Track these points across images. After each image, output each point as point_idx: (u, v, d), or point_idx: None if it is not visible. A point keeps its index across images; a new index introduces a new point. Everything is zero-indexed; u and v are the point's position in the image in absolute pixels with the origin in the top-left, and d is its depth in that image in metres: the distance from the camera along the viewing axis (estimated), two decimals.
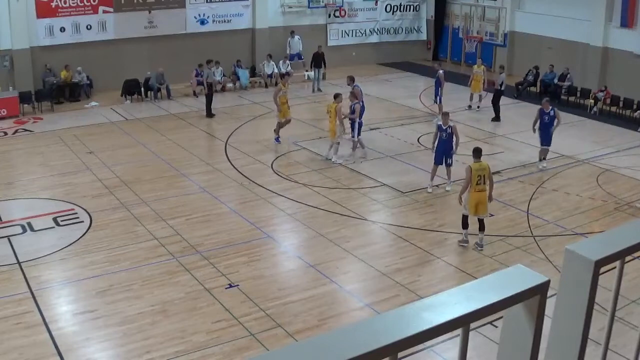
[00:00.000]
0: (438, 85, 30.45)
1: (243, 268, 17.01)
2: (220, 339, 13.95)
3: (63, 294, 15.89)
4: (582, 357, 2.22)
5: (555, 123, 24.33)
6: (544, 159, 24.82)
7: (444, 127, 22.00)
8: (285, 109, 27.12)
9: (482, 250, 18.17)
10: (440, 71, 30.58)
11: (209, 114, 31.28)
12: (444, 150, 22.03)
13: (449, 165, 22.14)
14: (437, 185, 22.55)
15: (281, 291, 16.02)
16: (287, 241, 19.20)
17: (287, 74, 28.68)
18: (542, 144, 24.67)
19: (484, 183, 18.08)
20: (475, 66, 33.45)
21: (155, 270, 16.80)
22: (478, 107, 33.11)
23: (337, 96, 25.22)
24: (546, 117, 24.32)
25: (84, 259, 17.35)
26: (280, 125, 27.14)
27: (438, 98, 30.50)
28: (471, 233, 18.42)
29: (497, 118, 31.06)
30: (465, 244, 18.52)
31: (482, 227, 18.28)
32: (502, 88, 31.00)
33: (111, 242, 18.31)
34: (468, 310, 1.85)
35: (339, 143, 25.04)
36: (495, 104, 31.05)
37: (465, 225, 18.45)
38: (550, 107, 24.49)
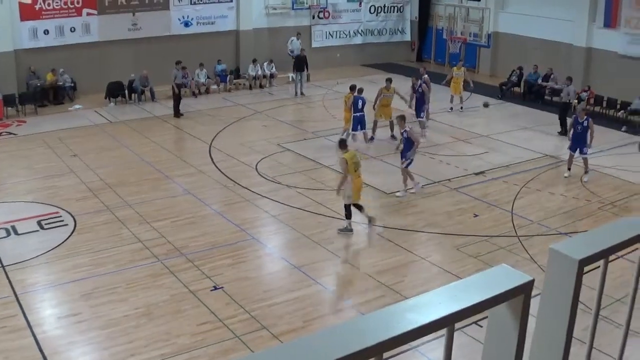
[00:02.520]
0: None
1: (228, 270, 16.99)
2: (205, 341, 13.92)
3: (47, 297, 15.83)
4: (566, 356, 2.22)
5: (589, 134, 23.74)
6: (569, 169, 24.28)
7: (401, 131, 22.33)
8: (380, 111, 28.31)
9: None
10: (426, 75, 30.33)
11: (177, 114, 31.48)
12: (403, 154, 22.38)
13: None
14: (424, 186, 22.61)
15: (266, 293, 16.01)
16: (272, 243, 19.19)
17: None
18: (570, 149, 24.22)
19: (359, 169, 19.10)
20: (455, 68, 33.48)
21: (139, 273, 16.75)
22: (461, 108, 33.12)
23: (352, 88, 27.00)
24: (579, 127, 23.74)
25: (68, 262, 17.28)
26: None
27: (427, 106, 30.16)
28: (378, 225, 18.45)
29: (563, 131, 29.04)
30: (351, 232, 19.13)
31: (362, 209, 19.28)
32: (570, 101, 29.84)
33: (95, 245, 18.24)
34: (452, 310, 1.86)
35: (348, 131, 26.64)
36: (563, 118, 29.57)
37: (350, 214, 19.06)
38: (585, 117, 23.85)
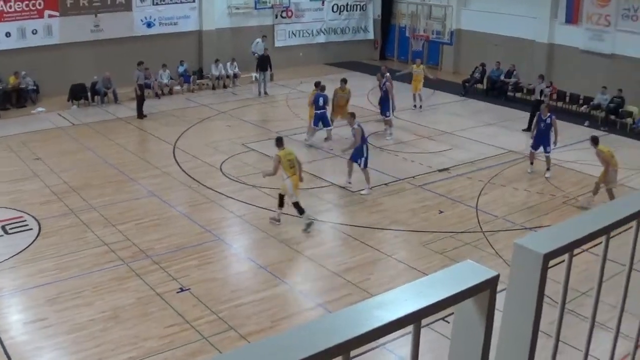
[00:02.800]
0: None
1: (194, 271, 16.94)
2: (173, 343, 13.88)
3: (13, 302, 15.68)
4: (533, 350, 2.23)
5: (552, 132, 23.72)
6: (531, 163, 24.50)
7: (351, 128, 22.71)
8: (337, 110, 28.29)
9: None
10: (388, 74, 30.27)
11: (140, 116, 31.35)
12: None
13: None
14: (387, 184, 22.68)
15: (233, 293, 15.98)
16: (237, 243, 19.17)
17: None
18: (532, 147, 24.35)
19: (295, 167, 19.64)
20: (414, 66, 33.56)
21: (105, 276, 16.64)
22: (420, 106, 33.11)
23: (317, 84, 27.64)
24: (542, 124, 23.84)
25: (34, 266, 17.12)
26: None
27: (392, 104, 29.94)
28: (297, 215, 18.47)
29: (528, 128, 28.79)
30: (313, 221, 19.73)
31: (282, 203, 19.92)
32: (542, 98, 29.75)
33: (60, 249, 18.10)
34: (419, 306, 1.86)
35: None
36: (533, 114, 28.49)
37: (302, 210, 19.60)
38: (549, 114, 23.92)
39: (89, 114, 32.27)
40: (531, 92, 32.12)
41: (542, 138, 23.86)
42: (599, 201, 20.75)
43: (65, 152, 26.21)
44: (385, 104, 28.72)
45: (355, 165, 22.33)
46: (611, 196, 21.03)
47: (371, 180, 22.34)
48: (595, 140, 21.54)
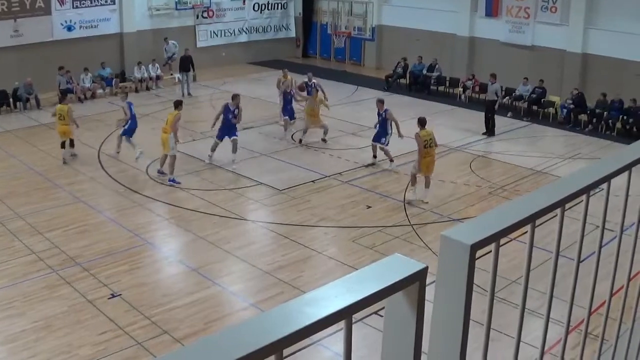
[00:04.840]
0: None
1: (125, 277, 16.79)
2: (107, 350, 13.75)
3: None
4: (465, 339, 2.25)
5: (389, 125, 24.00)
6: (375, 156, 24.80)
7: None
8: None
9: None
10: (314, 80, 30.05)
11: None
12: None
13: None
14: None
15: (165, 297, 15.89)
16: (167, 246, 19.05)
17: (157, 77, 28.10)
18: (372, 139, 24.75)
19: (65, 119, 24.15)
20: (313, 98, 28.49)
21: (36, 285, 16.40)
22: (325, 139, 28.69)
23: (177, 105, 24.02)
24: (379, 118, 24.30)
25: None
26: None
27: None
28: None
29: (491, 132, 28.86)
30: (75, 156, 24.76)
31: (63, 145, 24.65)
32: (496, 98, 29.27)
33: None
34: (349, 302, 1.86)
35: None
36: (491, 116, 28.97)
37: (63, 146, 24.72)
38: (385, 109, 24.24)
39: (11, 120, 31.76)
40: (484, 92, 31.92)
41: (379, 131, 24.35)
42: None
43: None
44: (286, 106, 28.92)
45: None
46: (414, 180, 21.73)
47: (137, 144, 24.77)
48: (422, 122, 21.79)
